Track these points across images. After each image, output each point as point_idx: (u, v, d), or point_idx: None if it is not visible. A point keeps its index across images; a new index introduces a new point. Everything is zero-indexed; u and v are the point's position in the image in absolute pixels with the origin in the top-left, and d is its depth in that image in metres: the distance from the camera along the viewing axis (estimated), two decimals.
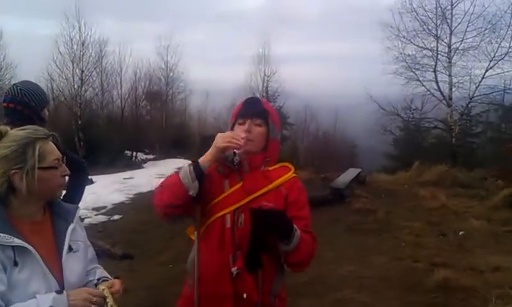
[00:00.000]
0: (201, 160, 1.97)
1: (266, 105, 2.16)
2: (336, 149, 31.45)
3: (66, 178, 1.73)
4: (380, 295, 4.95)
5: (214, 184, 2.05)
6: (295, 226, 1.88)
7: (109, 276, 1.84)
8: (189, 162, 2.01)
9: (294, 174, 2.12)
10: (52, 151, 1.64)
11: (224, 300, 1.98)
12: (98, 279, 1.79)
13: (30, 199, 1.62)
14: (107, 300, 1.62)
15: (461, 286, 5.00)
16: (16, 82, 2.95)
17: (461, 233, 7.69)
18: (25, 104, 2.77)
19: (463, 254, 6.54)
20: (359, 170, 13.38)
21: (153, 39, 30.71)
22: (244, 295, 1.95)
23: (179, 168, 2.06)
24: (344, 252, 6.69)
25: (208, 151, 1.98)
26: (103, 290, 1.64)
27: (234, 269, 1.95)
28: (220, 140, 1.95)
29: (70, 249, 1.69)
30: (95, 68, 25.12)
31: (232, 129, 2.13)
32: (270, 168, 2.11)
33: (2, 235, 1.49)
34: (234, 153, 2.00)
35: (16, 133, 1.60)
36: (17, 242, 1.51)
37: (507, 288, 4.64)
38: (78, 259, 1.72)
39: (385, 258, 6.31)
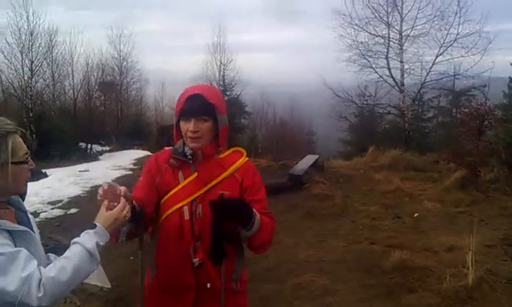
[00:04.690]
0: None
1: (211, 98, 2.00)
2: (294, 136, 31.63)
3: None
4: (339, 278, 5.04)
5: (167, 177, 2.02)
6: (254, 210, 1.88)
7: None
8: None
9: (247, 159, 2.12)
10: (22, 145, 1.59)
11: (187, 290, 1.96)
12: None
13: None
14: None
15: (416, 266, 5.14)
16: None
17: (415, 215, 7.92)
18: None
19: (418, 235, 6.74)
20: (316, 156, 13.58)
21: (105, 28, 29.37)
22: (208, 285, 1.94)
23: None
24: (303, 238, 6.78)
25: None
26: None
27: (196, 260, 1.93)
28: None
29: None
30: (45, 59, 24.01)
31: (177, 125, 2.06)
32: (222, 155, 2.09)
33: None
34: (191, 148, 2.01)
35: None
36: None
37: (460, 266, 4.79)
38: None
39: (343, 242, 6.43)
